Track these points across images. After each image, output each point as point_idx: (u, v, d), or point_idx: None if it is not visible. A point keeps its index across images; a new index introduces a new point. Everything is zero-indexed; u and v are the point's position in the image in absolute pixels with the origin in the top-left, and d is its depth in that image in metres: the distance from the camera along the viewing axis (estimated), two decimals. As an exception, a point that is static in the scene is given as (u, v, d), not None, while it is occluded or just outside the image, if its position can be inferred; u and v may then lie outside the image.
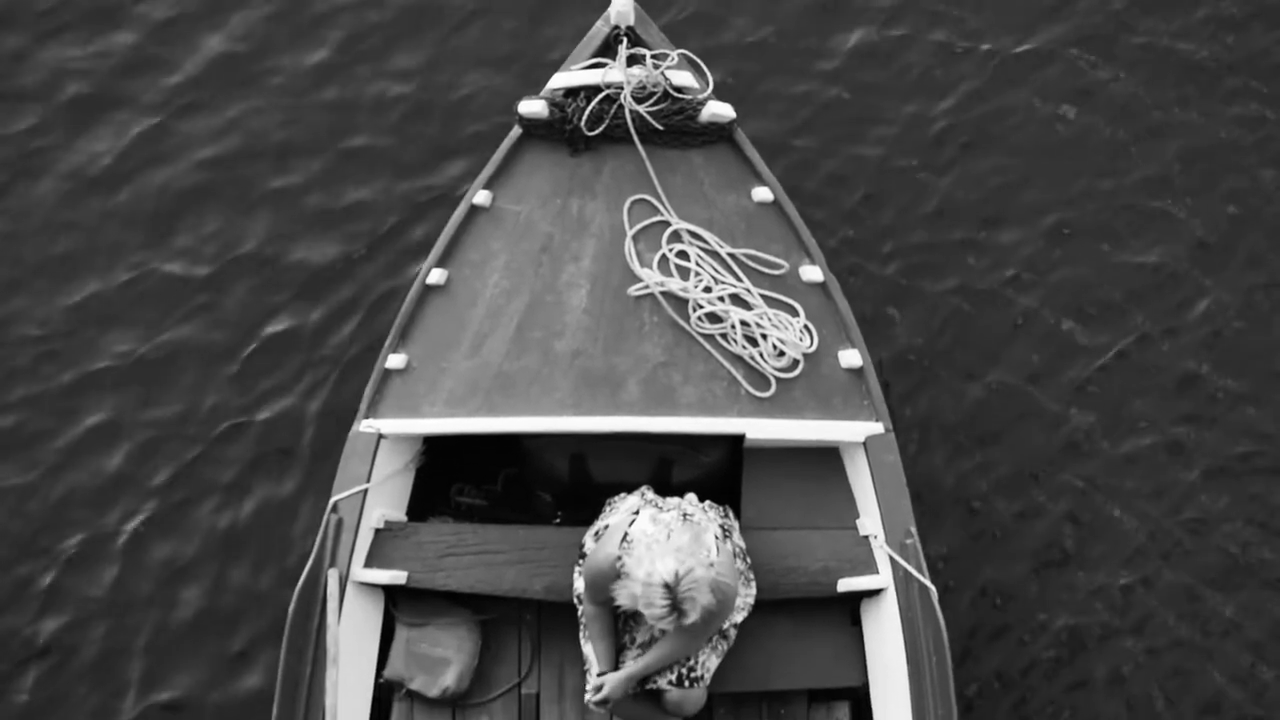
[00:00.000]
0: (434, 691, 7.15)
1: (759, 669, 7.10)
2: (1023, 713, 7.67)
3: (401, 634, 7.20)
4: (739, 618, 6.88)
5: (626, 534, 6.53)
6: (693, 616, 6.28)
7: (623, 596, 6.36)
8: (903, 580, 6.90)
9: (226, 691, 7.72)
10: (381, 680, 7.17)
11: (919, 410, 8.08)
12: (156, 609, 7.82)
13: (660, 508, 6.70)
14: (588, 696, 6.68)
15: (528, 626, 7.28)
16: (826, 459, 7.21)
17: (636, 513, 6.63)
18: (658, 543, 6.40)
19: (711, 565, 6.37)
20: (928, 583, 6.84)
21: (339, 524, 6.95)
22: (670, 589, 6.20)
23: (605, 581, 6.49)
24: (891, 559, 6.93)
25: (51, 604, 7.79)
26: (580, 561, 6.92)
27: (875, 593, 7.05)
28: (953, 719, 6.68)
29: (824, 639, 7.15)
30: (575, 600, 6.96)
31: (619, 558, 6.47)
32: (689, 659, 6.78)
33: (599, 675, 6.72)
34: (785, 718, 7.17)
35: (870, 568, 7.04)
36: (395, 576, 7.05)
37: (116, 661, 7.74)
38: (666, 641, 6.68)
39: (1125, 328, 8.21)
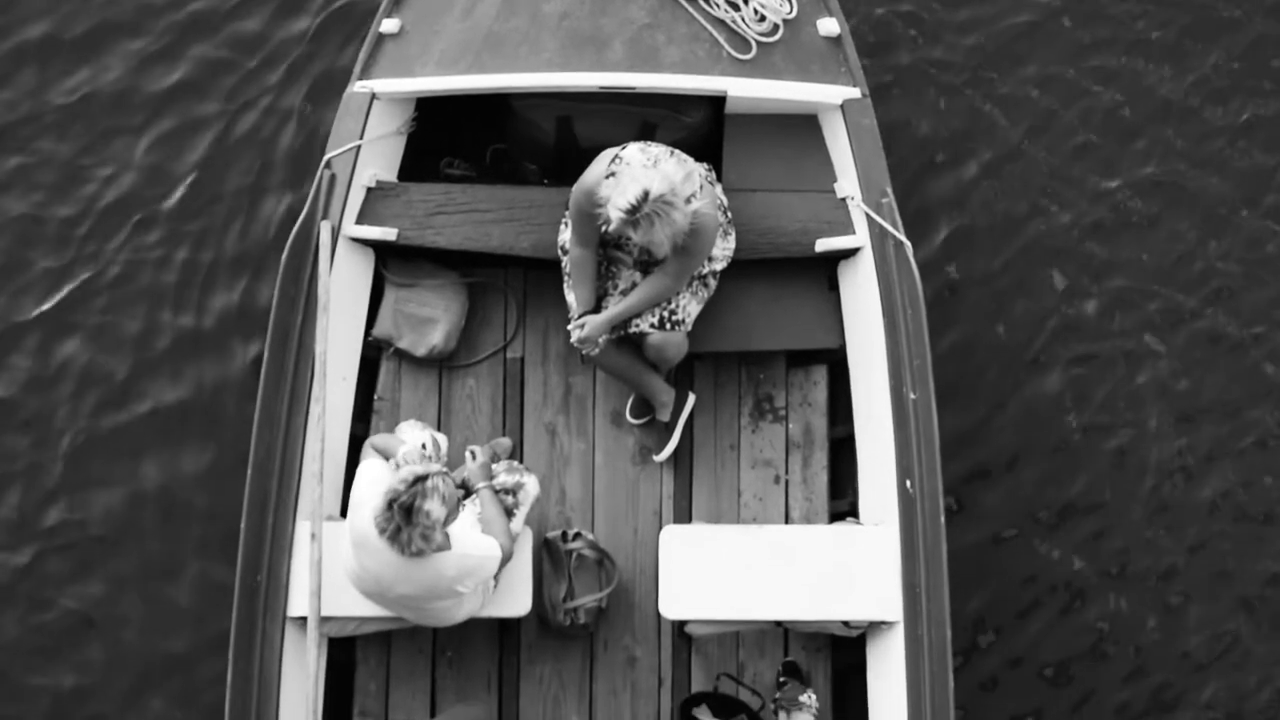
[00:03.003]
0: (421, 350, 7.35)
1: (738, 330, 7.31)
2: (998, 357, 7.98)
3: (390, 294, 7.40)
4: (718, 266, 7.08)
5: (619, 155, 6.72)
6: (659, 235, 6.50)
7: (608, 211, 6.56)
8: (879, 237, 7.10)
9: (216, 338, 7.94)
10: (370, 338, 7.38)
11: (896, 77, 8.28)
12: (146, 256, 8.05)
13: (649, 143, 6.88)
14: (572, 338, 6.89)
15: (513, 292, 7.49)
16: (805, 126, 7.38)
17: (625, 146, 6.82)
18: (645, 166, 6.60)
19: (691, 198, 6.58)
20: (903, 238, 7.04)
21: (331, 180, 7.13)
22: (640, 204, 6.43)
23: (590, 200, 6.68)
24: (868, 217, 7.11)
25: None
26: (566, 214, 7.10)
27: (852, 254, 7.25)
28: (927, 371, 6.90)
29: (802, 301, 7.35)
30: (560, 252, 7.15)
31: (610, 173, 6.67)
32: (670, 303, 6.98)
33: (580, 316, 6.93)
34: (764, 381, 7.39)
35: (847, 228, 7.23)
36: (385, 233, 7.24)
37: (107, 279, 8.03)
38: (647, 284, 6.88)
39: None
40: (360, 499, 6.40)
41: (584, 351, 6.96)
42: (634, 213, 6.43)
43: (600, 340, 6.92)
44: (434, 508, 6.10)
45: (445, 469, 6.24)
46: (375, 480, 6.44)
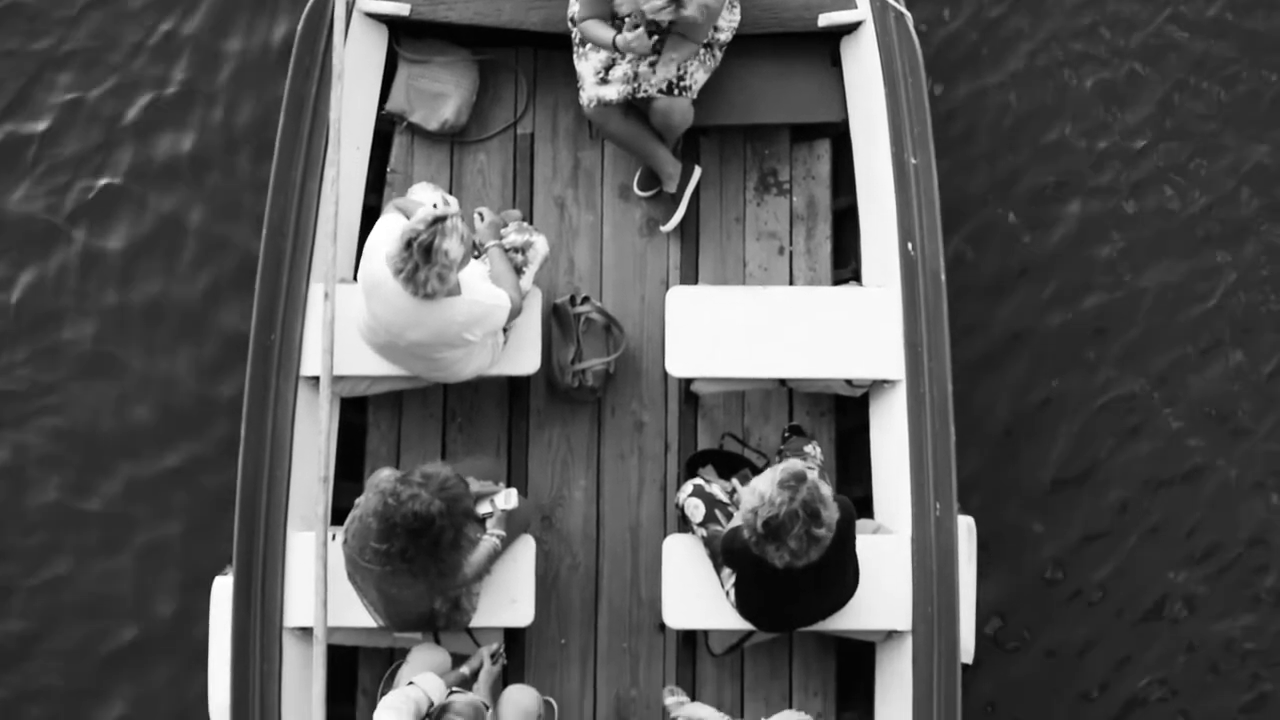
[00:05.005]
0: (433, 124, 7.49)
1: (743, 104, 7.45)
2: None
3: (403, 70, 7.54)
4: (724, 37, 7.20)
5: None
6: (690, 8, 6.65)
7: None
8: (879, 10, 7.23)
9: (235, 102, 8.09)
10: (384, 112, 7.52)
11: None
12: (142, 80, 8.18)
13: None
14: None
15: (524, 70, 7.63)
16: None
17: None
18: None
19: None
20: (903, 9, 7.18)
21: (345, -45, 7.28)
22: None
23: None
24: None
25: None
26: (574, -13, 7.25)
27: (854, 29, 7.37)
28: (928, 136, 7.06)
29: (805, 76, 7.49)
30: (569, 23, 7.28)
31: None
32: (679, 69, 7.12)
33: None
34: (769, 155, 7.53)
35: (849, 3, 7.34)
36: (398, 8, 7.37)
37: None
38: (672, 46, 7.02)
39: None
40: (375, 244, 6.51)
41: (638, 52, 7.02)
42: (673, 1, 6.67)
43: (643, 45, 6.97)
44: (452, 247, 6.22)
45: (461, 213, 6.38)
46: (391, 230, 6.57)
